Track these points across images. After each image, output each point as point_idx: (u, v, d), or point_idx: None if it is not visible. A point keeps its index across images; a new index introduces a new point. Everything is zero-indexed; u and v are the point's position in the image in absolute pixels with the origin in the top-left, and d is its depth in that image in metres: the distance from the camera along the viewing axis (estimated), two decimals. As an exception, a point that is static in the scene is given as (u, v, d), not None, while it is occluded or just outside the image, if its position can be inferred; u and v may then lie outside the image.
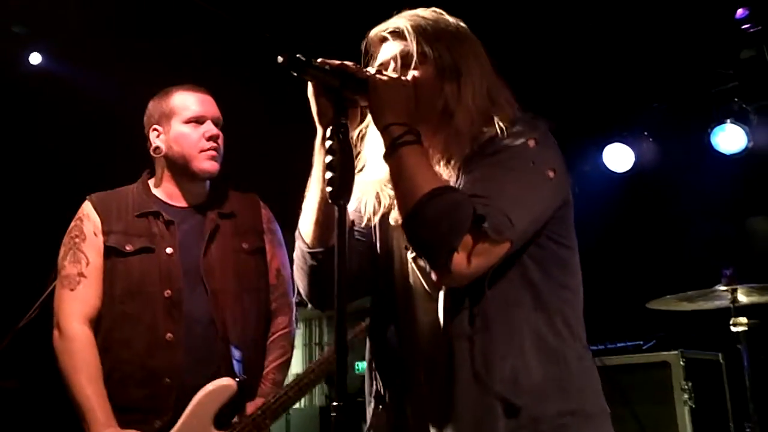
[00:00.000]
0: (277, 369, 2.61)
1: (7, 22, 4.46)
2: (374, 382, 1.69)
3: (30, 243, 4.57)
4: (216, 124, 2.61)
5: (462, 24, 1.71)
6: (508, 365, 1.51)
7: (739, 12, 4.38)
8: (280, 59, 1.48)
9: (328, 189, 1.45)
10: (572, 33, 4.46)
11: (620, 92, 4.95)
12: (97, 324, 2.49)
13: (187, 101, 2.61)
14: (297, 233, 1.69)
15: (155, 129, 2.63)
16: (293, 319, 2.67)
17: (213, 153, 2.57)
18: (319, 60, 1.54)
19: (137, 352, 2.43)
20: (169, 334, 2.42)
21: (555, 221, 1.59)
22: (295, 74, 1.51)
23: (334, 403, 1.38)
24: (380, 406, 1.67)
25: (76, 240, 2.54)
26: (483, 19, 1.74)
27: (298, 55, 1.50)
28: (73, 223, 2.59)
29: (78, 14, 4.34)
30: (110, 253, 2.52)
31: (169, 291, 2.46)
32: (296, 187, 1.71)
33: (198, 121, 2.59)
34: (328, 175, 1.45)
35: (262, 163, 4.85)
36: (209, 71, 4.67)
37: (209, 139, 2.57)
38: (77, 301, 2.48)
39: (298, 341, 11.66)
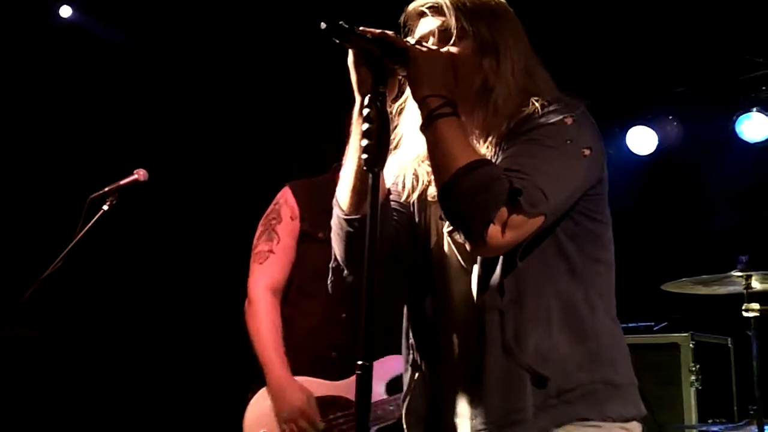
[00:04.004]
0: None
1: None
2: (411, 351, 1.74)
3: (51, 194, 4.65)
4: None
5: (501, 0, 1.73)
6: (538, 337, 1.56)
7: (774, -2, 4.34)
8: (323, 26, 1.50)
9: (364, 156, 1.48)
10: (601, 14, 4.44)
11: (647, 74, 4.93)
12: (282, 295, 2.81)
13: None
14: (334, 200, 1.74)
15: None
16: None
17: None
18: (360, 28, 1.56)
19: (312, 325, 2.74)
20: (343, 314, 2.70)
21: (589, 198, 1.63)
22: (337, 41, 1.53)
23: (359, 362, 1.43)
24: (416, 374, 1.73)
25: (273, 222, 2.83)
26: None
27: (341, 22, 1.52)
28: (271, 207, 2.86)
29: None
30: (304, 237, 2.79)
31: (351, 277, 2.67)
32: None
33: None
34: (365, 142, 1.48)
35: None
36: (245, 34, 4.69)
37: None
38: (263, 273, 2.78)
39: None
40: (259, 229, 2.84)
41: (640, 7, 4.42)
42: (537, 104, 1.60)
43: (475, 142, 1.65)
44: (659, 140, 5.09)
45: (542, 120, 1.58)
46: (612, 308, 1.67)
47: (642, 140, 5.12)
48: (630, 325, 4.22)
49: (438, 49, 1.64)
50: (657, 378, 4.06)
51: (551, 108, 1.59)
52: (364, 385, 1.43)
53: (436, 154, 1.56)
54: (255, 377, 2.77)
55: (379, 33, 1.57)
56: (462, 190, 1.49)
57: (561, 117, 1.58)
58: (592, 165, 1.61)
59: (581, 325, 1.59)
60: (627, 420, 1.60)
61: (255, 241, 2.84)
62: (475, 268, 1.62)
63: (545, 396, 1.55)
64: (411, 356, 1.75)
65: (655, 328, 4.26)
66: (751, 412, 3.35)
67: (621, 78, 4.94)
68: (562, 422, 1.55)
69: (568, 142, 1.56)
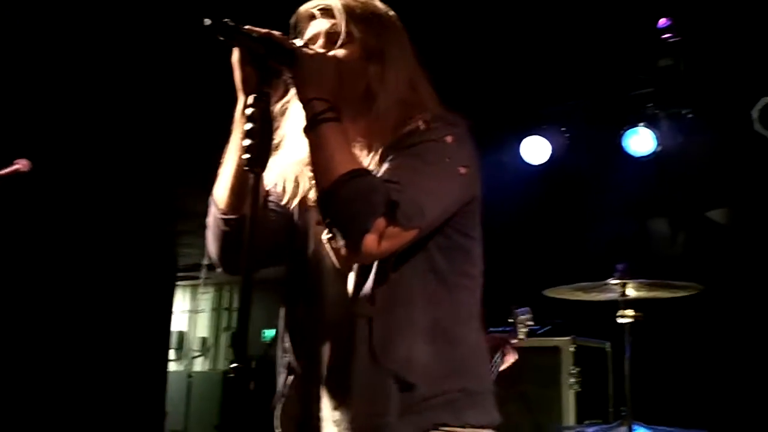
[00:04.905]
0: None
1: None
2: (286, 354, 1.74)
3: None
4: None
5: (391, 11, 1.75)
6: (404, 344, 1.58)
7: (661, 21, 4.55)
8: (207, 22, 1.48)
9: (246, 156, 1.46)
10: (499, 28, 4.54)
11: (542, 86, 5.09)
12: None
13: None
14: (211, 198, 1.71)
15: None
16: None
17: None
18: (246, 26, 1.54)
19: None
20: None
21: (462, 215, 1.67)
22: (222, 39, 1.51)
23: (233, 365, 1.42)
24: (291, 377, 1.72)
25: None
26: (404, 10, 1.78)
27: (225, 20, 1.50)
28: None
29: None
30: None
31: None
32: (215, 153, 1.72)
33: None
34: (247, 142, 1.46)
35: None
36: (133, 23, 4.58)
37: None
38: None
39: (207, 306, 11.58)
40: None
41: (536, 24, 4.55)
42: (421, 120, 1.63)
43: (357, 150, 1.66)
44: (552, 150, 5.25)
45: (425, 136, 1.61)
46: (476, 320, 1.71)
47: (536, 150, 5.27)
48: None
49: (325, 53, 1.64)
50: (538, 380, 4.21)
51: (434, 125, 1.63)
52: (240, 387, 1.42)
53: (318, 160, 1.56)
54: None
55: (265, 32, 1.56)
56: (341, 197, 1.50)
57: (442, 134, 1.61)
58: (467, 183, 1.65)
59: (446, 335, 1.62)
60: (484, 427, 1.64)
61: None
62: (351, 275, 1.64)
63: (408, 402, 1.57)
64: (286, 359, 1.74)
65: (538, 332, 4.41)
66: (623, 414, 3.50)
67: (517, 89, 5.08)
68: (423, 428, 1.57)
69: (447, 159, 1.60)
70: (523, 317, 3.16)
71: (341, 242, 1.54)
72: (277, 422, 1.74)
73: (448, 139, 1.61)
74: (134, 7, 4.37)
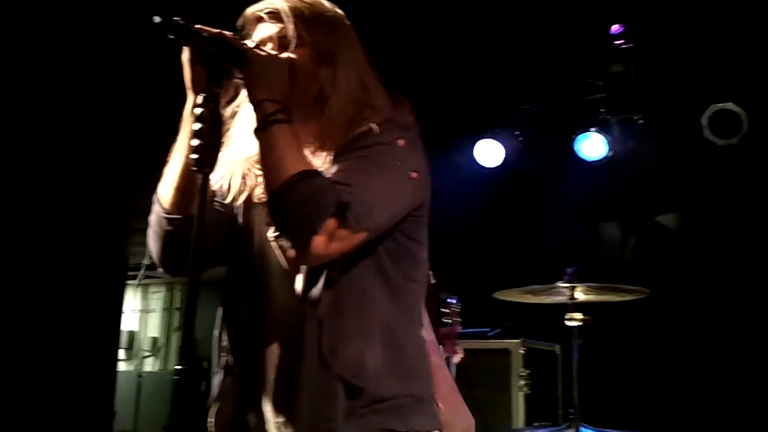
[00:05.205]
0: None
1: None
2: (223, 354, 1.71)
3: None
4: None
5: (339, 11, 1.74)
6: (353, 349, 1.57)
7: (614, 28, 4.62)
8: (157, 20, 1.46)
9: (194, 156, 1.44)
10: (455, 33, 4.57)
11: (496, 90, 5.13)
12: None
13: None
14: (155, 197, 1.68)
15: None
16: None
17: None
18: (197, 26, 1.53)
19: None
20: None
21: (411, 219, 1.66)
22: (172, 37, 1.49)
23: (178, 367, 1.41)
24: (228, 378, 1.70)
25: None
26: (359, 12, 1.78)
27: (176, 18, 1.49)
28: None
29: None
30: None
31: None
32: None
33: None
34: (195, 142, 1.45)
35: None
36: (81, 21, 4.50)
37: None
38: None
39: (158, 305, 11.43)
40: None
41: (491, 28, 4.58)
42: (373, 122, 1.61)
43: (308, 151, 1.64)
44: (505, 154, 5.29)
45: (376, 138, 1.60)
46: (420, 324, 1.72)
47: (489, 153, 5.31)
48: (466, 330, 4.38)
49: (276, 54, 1.63)
50: (488, 382, 4.25)
51: (386, 127, 1.62)
52: (190, 389, 1.40)
53: (268, 160, 1.54)
54: None
55: (216, 32, 1.55)
56: (291, 198, 1.48)
57: (394, 137, 1.60)
58: (418, 187, 1.65)
59: (394, 339, 1.62)
60: (429, 431, 1.65)
61: None
62: (299, 277, 1.62)
63: (356, 405, 1.56)
64: (224, 359, 1.71)
65: (489, 334, 4.46)
66: (572, 416, 3.55)
67: (471, 92, 5.11)
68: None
69: (398, 163, 1.59)
70: (455, 307, 3.19)
71: (290, 244, 1.52)
72: (210, 424, 1.71)
73: (400, 142, 1.61)
74: (85, 3, 4.30)
